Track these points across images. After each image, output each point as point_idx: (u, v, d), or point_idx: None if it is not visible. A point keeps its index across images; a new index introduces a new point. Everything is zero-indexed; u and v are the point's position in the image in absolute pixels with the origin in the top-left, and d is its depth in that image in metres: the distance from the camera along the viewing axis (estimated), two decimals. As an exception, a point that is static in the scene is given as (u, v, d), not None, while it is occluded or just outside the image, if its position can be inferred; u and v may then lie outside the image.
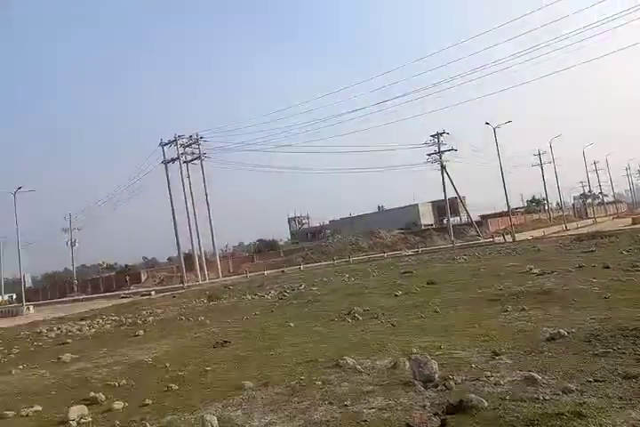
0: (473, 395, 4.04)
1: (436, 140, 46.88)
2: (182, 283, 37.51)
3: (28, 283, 68.45)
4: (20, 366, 9.09)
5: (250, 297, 17.11)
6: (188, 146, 42.62)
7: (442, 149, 46.88)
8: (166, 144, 41.70)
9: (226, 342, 8.53)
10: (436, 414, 3.96)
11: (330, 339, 7.81)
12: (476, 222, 53.06)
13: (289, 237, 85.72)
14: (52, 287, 66.54)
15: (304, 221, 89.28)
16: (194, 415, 4.79)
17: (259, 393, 5.27)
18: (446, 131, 46.76)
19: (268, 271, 37.30)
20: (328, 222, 77.76)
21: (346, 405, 4.49)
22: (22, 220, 38.63)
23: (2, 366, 9.70)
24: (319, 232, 78.32)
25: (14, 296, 60.73)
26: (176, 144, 41.59)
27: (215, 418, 4.39)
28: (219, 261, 44.65)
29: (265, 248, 64.51)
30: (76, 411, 5.28)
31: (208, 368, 6.70)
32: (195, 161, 43.20)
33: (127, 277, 53.55)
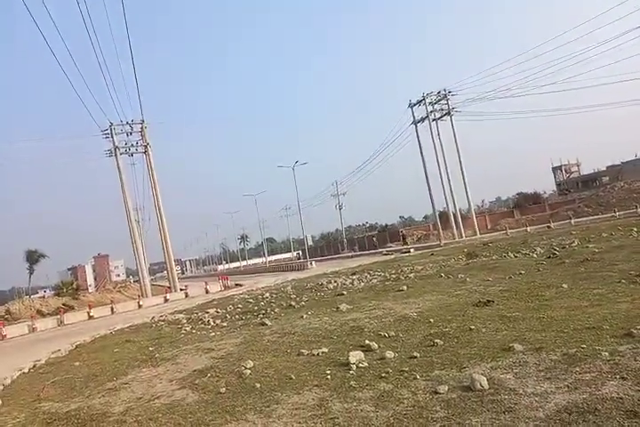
0: None
1: None
2: (439, 240, 38.09)
3: (309, 242, 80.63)
4: (309, 313, 10.78)
5: (512, 255, 16.07)
6: (436, 103, 42.07)
7: None
8: (415, 104, 42.06)
9: (489, 301, 8.22)
10: None
11: (615, 304, 6.64)
12: None
13: (554, 188, 76.73)
14: (327, 246, 76.94)
15: (573, 169, 78.22)
16: (461, 373, 4.75)
17: (531, 358, 4.87)
18: None
19: (531, 227, 34.35)
20: (605, 168, 66.34)
21: (646, 383, 3.73)
22: (302, 189, 45.32)
23: (297, 311, 11.69)
24: (593, 180, 67.60)
25: (300, 253, 72.88)
26: (424, 103, 41.53)
27: (485, 379, 4.25)
28: (475, 218, 43.44)
29: (526, 202, 59.35)
30: (354, 356, 5.91)
31: (472, 327, 6.56)
32: (444, 117, 42.40)
33: (389, 235, 57.54)
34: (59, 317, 25.01)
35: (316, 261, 44.84)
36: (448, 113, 41.94)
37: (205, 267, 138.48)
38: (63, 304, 31.09)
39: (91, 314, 24.87)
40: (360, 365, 5.67)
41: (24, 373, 9.62)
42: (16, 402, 7.05)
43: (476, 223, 42.92)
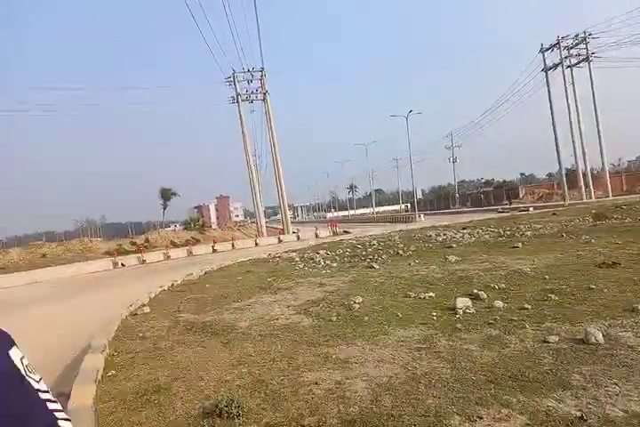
0: None
1: None
2: (564, 200, 35.20)
3: (419, 195, 79.23)
4: (416, 261, 10.96)
5: (649, 219, 14.47)
6: (572, 47, 37.32)
7: None
8: (547, 49, 37.76)
9: (615, 263, 7.67)
10: None
11: None
12: None
13: None
14: (437, 199, 75.07)
15: None
16: (575, 327, 4.66)
17: (657, 321, 4.59)
18: None
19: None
20: None
21: None
22: (414, 140, 44.24)
23: (404, 258, 11.93)
24: None
25: (408, 206, 72.16)
26: (558, 47, 37.07)
27: (600, 333, 4.15)
28: (608, 178, 39.14)
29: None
30: (461, 302, 6.03)
31: (592, 286, 6.25)
32: (581, 64, 37.63)
33: (505, 193, 54.39)
34: (188, 248, 28.19)
35: (424, 214, 44.25)
36: (586, 59, 37.10)
37: (315, 213, 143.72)
38: (192, 237, 34.83)
39: (215, 247, 27.64)
40: (467, 311, 5.78)
41: (164, 290, 11.24)
42: (161, 312, 8.36)
43: (609, 184, 38.72)
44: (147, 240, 35.02)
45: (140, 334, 6.61)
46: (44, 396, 0.86)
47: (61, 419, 0.88)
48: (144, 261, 24.42)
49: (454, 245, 13.47)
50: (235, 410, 3.31)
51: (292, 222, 41.08)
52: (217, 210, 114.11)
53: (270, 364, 4.59)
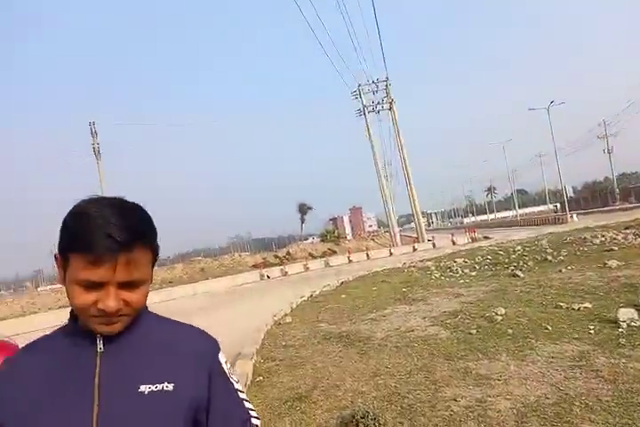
0: None
1: None
2: None
3: (569, 193, 71.69)
4: (568, 267, 9.88)
5: None
6: None
7: None
8: None
9: None
10: None
11: None
12: None
13: None
14: (592, 197, 66.92)
15: None
16: None
17: None
18: None
19: None
20: None
21: None
22: (557, 133, 40.33)
23: (553, 265, 10.85)
24: None
25: (557, 206, 65.59)
26: None
27: None
28: None
29: None
30: (625, 313, 5.27)
31: None
32: None
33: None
34: (325, 259, 29.24)
35: (577, 214, 39.82)
36: None
37: (451, 220, 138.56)
38: (328, 249, 36.03)
39: (350, 258, 28.23)
40: (632, 324, 5.04)
41: (304, 300, 11.78)
42: (301, 320, 8.78)
43: None
44: (288, 253, 37.08)
45: (284, 343, 7.01)
46: (241, 395, 1.06)
47: (254, 417, 1.08)
48: (286, 272, 25.93)
49: (615, 248, 11.86)
50: (371, 422, 3.32)
51: (426, 230, 40.14)
52: (350, 221, 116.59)
53: (406, 377, 4.51)
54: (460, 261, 14.89)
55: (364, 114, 36.63)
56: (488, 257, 14.84)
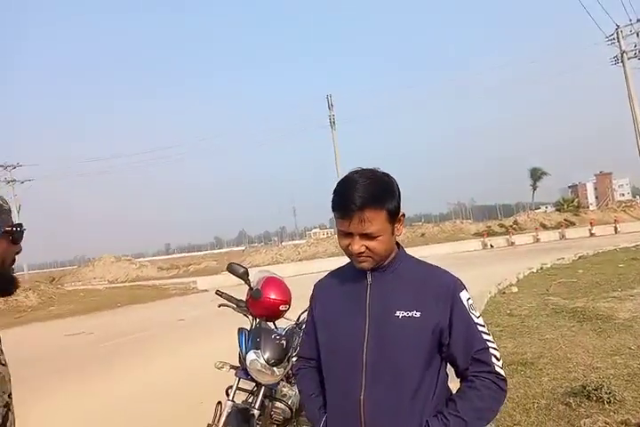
0: None
1: None
2: None
3: None
4: None
5: None
6: None
7: None
8: None
9: None
10: None
11: None
12: None
13: None
14: None
15: None
16: None
17: None
18: None
19: None
20: None
21: None
22: None
23: None
24: None
25: None
26: None
27: None
28: None
29: None
30: None
31: None
32: None
33: None
34: (560, 230, 26.46)
35: None
36: None
37: None
38: (564, 220, 32.36)
39: (592, 231, 24.91)
40: None
41: (532, 272, 11.12)
42: (528, 292, 8.41)
43: None
44: (515, 222, 34.65)
45: (508, 311, 6.90)
46: (481, 329, 1.31)
47: (492, 348, 1.30)
48: (512, 243, 24.49)
49: None
50: (605, 396, 3.18)
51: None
52: (595, 188, 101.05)
53: (655, 361, 4.05)
54: None
55: (623, 61, 30.63)
56: None
